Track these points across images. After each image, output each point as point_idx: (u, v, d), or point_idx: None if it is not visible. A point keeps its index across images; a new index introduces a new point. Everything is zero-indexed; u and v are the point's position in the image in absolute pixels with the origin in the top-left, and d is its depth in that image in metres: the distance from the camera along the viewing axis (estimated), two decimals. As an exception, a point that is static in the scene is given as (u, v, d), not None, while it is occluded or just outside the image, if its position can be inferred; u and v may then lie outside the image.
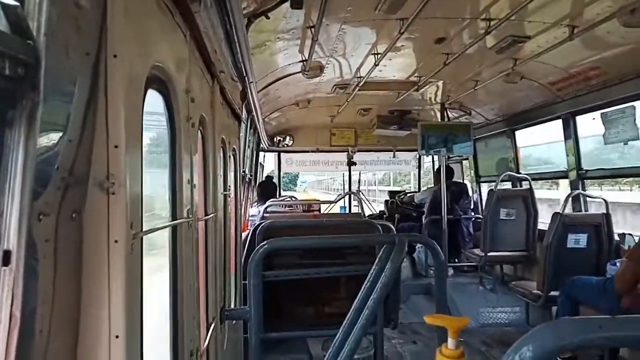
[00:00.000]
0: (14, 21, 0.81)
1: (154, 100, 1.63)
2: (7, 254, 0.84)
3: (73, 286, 1.05)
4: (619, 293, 4.38)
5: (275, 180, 10.49)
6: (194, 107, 2.01)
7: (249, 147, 7.54)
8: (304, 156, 10.94)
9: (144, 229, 1.34)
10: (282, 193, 10.70)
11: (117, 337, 1.09)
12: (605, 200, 5.73)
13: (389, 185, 29.65)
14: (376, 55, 5.44)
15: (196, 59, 2.18)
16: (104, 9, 1.10)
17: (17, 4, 0.82)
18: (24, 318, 0.85)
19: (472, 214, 8.64)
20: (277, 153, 10.79)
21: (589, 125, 5.83)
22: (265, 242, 2.94)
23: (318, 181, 41.73)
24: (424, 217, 8.46)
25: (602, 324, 0.95)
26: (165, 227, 1.76)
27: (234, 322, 3.43)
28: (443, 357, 1.42)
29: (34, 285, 0.90)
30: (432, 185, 9.83)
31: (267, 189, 8.18)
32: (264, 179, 10.05)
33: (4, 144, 0.85)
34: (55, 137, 0.96)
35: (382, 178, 31.28)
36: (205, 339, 2.40)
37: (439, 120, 8.45)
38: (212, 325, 2.57)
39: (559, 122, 6.37)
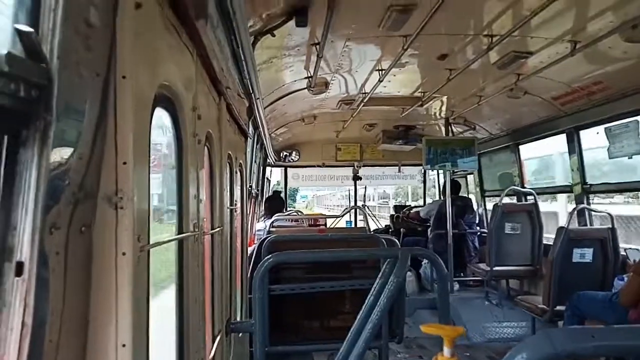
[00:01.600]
0: (29, 46, 0.86)
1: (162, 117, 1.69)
2: (20, 265, 0.88)
3: (82, 297, 1.09)
4: (624, 306, 4.36)
5: (283, 195, 10.53)
6: (200, 124, 2.06)
7: (255, 162, 7.59)
8: (310, 171, 11.00)
9: (151, 242, 1.38)
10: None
11: (124, 346, 1.13)
12: (610, 215, 5.71)
13: (386, 200, 29.28)
14: (380, 72, 5.50)
15: (203, 77, 2.23)
16: (113, 30, 1.16)
17: (32, 30, 0.86)
18: (35, 327, 0.89)
19: (478, 228, 8.63)
20: (283, 168, 10.85)
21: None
22: (270, 255, 2.97)
23: (316, 197, 40.00)
24: (429, 231, 8.46)
25: (595, 334, 0.98)
26: (172, 240, 1.80)
27: (240, 335, 3.44)
28: None
29: (45, 295, 0.93)
30: (438, 199, 9.83)
31: (275, 204, 8.22)
32: (271, 193, 10.10)
33: (18, 161, 0.90)
34: (66, 154, 1.00)
35: (383, 193, 30.74)
36: (211, 351, 2.42)
37: (444, 135, 8.48)
38: (218, 337, 2.59)
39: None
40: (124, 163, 1.16)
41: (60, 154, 0.97)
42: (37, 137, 0.91)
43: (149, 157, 1.37)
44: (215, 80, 2.48)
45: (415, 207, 11.48)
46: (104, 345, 1.12)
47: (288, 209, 10.21)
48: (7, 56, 0.79)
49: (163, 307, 1.88)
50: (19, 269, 0.88)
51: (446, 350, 1.44)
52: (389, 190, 29.59)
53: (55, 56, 0.92)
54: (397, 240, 4.96)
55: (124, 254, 1.15)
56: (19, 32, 0.85)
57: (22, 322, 0.88)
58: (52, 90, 0.92)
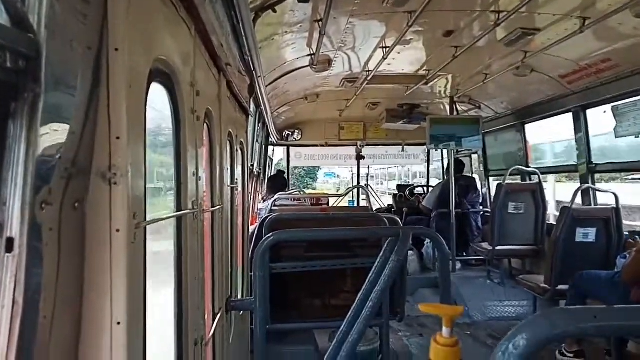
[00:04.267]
0: (15, 15, 0.83)
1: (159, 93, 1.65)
2: (10, 241, 0.86)
3: (75, 273, 1.08)
4: (626, 282, 4.35)
5: (286, 174, 10.53)
6: (199, 100, 2.02)
7: (257, 141, 7.56)
8: (313, 150, 10.97)
9: (148, 219, 1.36)
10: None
11: (118, 323, 1.12)
12: (615, 195, 5.68)
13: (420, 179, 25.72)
14: (385, 49, 5.43)
15: (202, 53, 2.19)
16: (105, 2, 1.12)
17: (18, -3, 0.83)
18: (26, 304, 0.87)
19: (481, 207, 8.63)
20: (286, 147, 10.82)
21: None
22: (272, 233, 2.96)
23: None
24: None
25: (597, 314, 0.95)
26: (169, 217, 1.79)
27: (241, 313, 3.46)
28: (437, 346, 1.43)
29: (37, 272, 0.92)
30: (442, 180, 9.80)
31: (277, 183, 8.22)
32: (274, 172, 10.10)
33: (6, 135, 0.87)
34: (57, 128, 0.98)
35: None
36: (211, 328, 2.43)
37: (448, 113, 8.41)
38: (218, 315, 2.60)
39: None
40: (118, 138, 1.13)
41: (50, 128, 0.95)
42: (25, 110, 0.88)
43: (145, 132, 1.34)
44: (214, 56, 2.44)
45: (418, 185, 11.47)
46: (98, 323, 1.11)
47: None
48: (-9, 25, 0.76)
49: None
50: (9, 244, 0.86)
51: (445, 330, 1.42)
52: (417, 168, 24.28)
53: (43, 26, 0.89)
54: (399, 220, 4.94)
55: (118, 230, 1.13)
56: (3, 0, 0.82)
57: (13, 299, 0.87)
58: (41, 61, 0.89)
